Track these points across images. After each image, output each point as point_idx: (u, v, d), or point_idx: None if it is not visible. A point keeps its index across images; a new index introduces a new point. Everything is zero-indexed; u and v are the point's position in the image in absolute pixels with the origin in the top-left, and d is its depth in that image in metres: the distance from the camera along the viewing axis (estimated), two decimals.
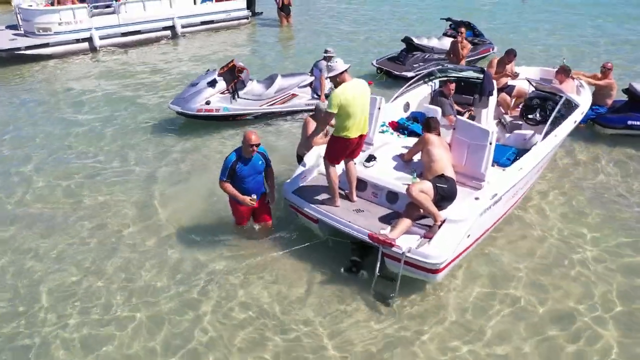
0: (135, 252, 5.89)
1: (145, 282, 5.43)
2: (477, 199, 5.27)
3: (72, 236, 6.20)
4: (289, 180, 5.99)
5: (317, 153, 6.15)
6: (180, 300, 5.17)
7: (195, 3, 15.79)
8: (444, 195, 5.26)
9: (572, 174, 7.59)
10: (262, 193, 5.83)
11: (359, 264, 5.41)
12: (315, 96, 9.67)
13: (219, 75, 8.94)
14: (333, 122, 5.33)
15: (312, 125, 6.29)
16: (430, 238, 5.00)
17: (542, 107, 7.59)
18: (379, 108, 6.43)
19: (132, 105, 10.36)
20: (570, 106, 7.31)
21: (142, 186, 7.33)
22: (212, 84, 8.90)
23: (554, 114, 6.69)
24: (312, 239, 5.82)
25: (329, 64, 5.27)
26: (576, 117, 7.17)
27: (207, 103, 8.87)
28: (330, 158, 5.43)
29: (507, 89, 8.69)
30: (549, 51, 14.10)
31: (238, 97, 9.07)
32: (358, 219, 5.36)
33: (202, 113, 8.91)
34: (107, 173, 7.75)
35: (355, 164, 5.68)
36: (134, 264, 5.69)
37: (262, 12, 18.37)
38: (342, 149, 5.33)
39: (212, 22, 16.22)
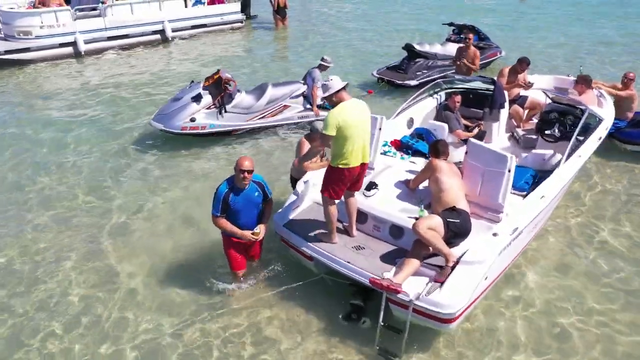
0: (100, 290, 5.22)
1: (112, 324, 4.77)
2: (495, 235, 4.61)
3: (32, 261, 5.59)
4: (280, 211, 5.32)
5: (310, 179, 5.49)
6: (149, 347, 4.51)
7: (186, 6, 15.12)
8: (456, 232, 4.60)
9: (589, 197, 6.89)
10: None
11: (361, 309, 4.74)
12: (309, 106, 9.01)
13: (204, 88, 8.28)
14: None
15: (306, 147, 5.64)
16: (442, 282, 4.33)
17: (561, 121, 6.91)
18: (380, 128, 5.77)
19: (114, 116, 9.68)
20: (593, 121, 6.65)
21: (115, 215, 6.59)
22: (197, 99, 8.22)
23: (577, 130, 6.02)
24: (306, 276, 5.15)
25: (325, 82, 4.60)
26: (600, 133, 6.53)
27: (192, 120, 8.19)
28: (329, 192, 4.71)
29: (519, 100, 8.03)
30: (549, 54, 13.47)
31: (225, 111, 8.39)
32: (358, 258, 4.69)
33: (186, 131, 8.23)
34: (65, 195, 7.05)
35: (355, 196, 5.00)
36: (98, 302, 5.02)
37: (257, 15, 17.73)
38: (341, 181, 4.64)
39: (204, 25, 15.55)
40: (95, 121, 9.47)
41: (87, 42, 13.36)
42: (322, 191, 4.77)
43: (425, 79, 10.57)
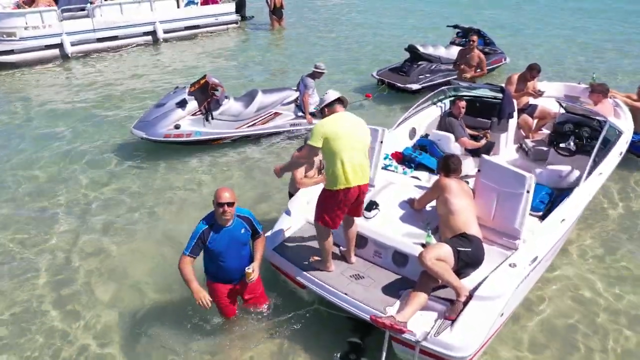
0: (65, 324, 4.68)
1: None
2: (513, 265, 4.10)
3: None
4: (269, 233, 4.79)
5: (303, 197, 4.98)
6: None
7: (178, 6, 14.60)
8: (468, 262, 4.11)
9: (605, 217, 6.34)
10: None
11: (359, 348, 4.22)
12: (301, 114, 8.52)
13: (190, 93, 7.74)
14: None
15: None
16: (453, 320, 3.82)
17: (577, 134, 6.42)
18: (382, 142, 5.27)
19: (97, 123, 9.14)
20: (612, 133, 6.16)
21: (86, 235, 6.01)
22: (182, 104, 7.69)
23: (598, 144, 5.53)
24: (298, 307, 4.62)
25: (321, 97, 4.14)
26: (621, 147, 6.05)
27: (177, 127, 7.65)
28: (323, 220, 4.16)
29: (528, 109, 7.55)
30: (555, 57, 13.00)
31: (212, 118, 7.84)
32: (357, 289, 4.17)
33: (170, 139, 7.69)
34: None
35: (355, 221, 4.49)
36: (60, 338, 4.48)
37: (252, 17, 17.23)
38: (337, 206, 4.10)
39: (197, 27, 15.04)
40: (77, 128, 8.93)
41: (74, 43, 12.83)
42: (315, 219, 4.23)
43: (428, 84, 10.09)
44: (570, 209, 4.85)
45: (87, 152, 8.07)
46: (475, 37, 9.91)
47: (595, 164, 5.48)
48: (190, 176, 7.36)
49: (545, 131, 7.38)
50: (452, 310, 3.88)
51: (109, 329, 4.61)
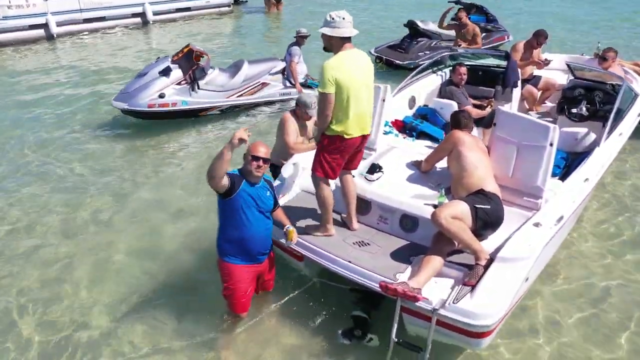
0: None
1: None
2: (537, 225, 3.59)
3: None
4: None
5: (298, 163, 4.44)
6: None
7: None
8: (487, 221, 3.58)
9: (621, 185, 5.89)
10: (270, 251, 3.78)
11: (365, 322, 3.69)
12: (289, 84, 8.05)
13: (173, 62, 7.17)
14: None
15: (292, 124, 4.60)
16: (473, 285, 3.30)
17: (589, 98, 5.92)
18: (384, 100, 4.75)
19: (78, 101, 8.56)
20: (628, 96, 5.67)
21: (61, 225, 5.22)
22: (166, 72, 7.10)
23: (617, 102, 5.03)
24: (295, 286, 4.07)
25: (329, 18, 3.50)
26: (638, 109, 5.54)
27: (161, 96, 7.06)
28: (323, 170, 3.68)
29: (532, 80, 7.03)
30: (559, 32, 12.50)
31: (199, 88, 7.28)
32: (362, 257, 3.64)
33: (154, 109, 7.10)
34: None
35: (353, 177, 3.96)
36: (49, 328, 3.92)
37: (246, 1, 16.61)
38: (339, 154, 3.61)
39: (188, 9, 14.41)
40: (57, 109, 8.26)
41: (59, 24, 12.18)
42: (313, 169, 3.72)
43: (428, 61, 9.56)
44: (593, 168, 4.35)
45: (66, 129, 7.48)
46: (462, 14, 9.35)
47: (614, 125, 4.99)
48: (177, 151, 6.80)
49: (549, 104, 6.93)
50: (471, 275, 3.37)
51: (99, 313, 4.04)
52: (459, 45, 9.43)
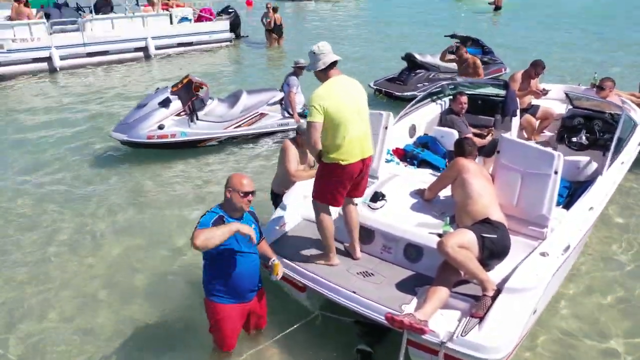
0: None
1: None
2: (544, 254, 3.50)
3: None
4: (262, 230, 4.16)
5: (300, 191, 4.38)
6: None
7: (171, 23, 14.22)
8: (493, 251, 3.51)
9: (623, 214, 5.82)
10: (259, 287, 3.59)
11: (370, 356, 3.56)
12: (287, 115, 8.07)
13: (173, 93, 7.20)
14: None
15: (293, 152, 4.57)
16: (481, 317, 3.20)
17: (588, 127, 5.94)
18: (386, 127, 4.72)
19: (78, 131, 8.55)
20: (628, 125, 5.69)
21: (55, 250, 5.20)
22: (165, 103, 7.14)
23: (618, 131, 5.03)
24: (296, 319, 3.93)
25: (313, 49, 3.52)
26: (639, 138, 5.54)
27: (160, 127, 7.07)
28: (323, 196, 3.64)
29: (531, 109, 7.07)
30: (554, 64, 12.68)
31: (197, 119, 7.29)
32: (366, 287, 3.55)
33: (153, 140, 7.10)
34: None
35: (356, 205, 3.89)
36: None
37: (247, 36, 16.88)
38: (339, 181, 3.56)
39: (190, 44, 14.63)
40: (57, 141, 8.24)
41: (63, 57, 12.33)
42: (314, 197, 3.66)
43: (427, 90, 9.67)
44: (597, 197, 4.30)
45: (64, 159, 7.45)
46: (462, 50, 9.48)
47: (616, 154, 4.98)
48: (175, 180, 6.73)
49: (548, 133, 6.95)
50: (479, 306, 3.27)
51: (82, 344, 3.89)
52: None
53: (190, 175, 6.92)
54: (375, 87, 10.18)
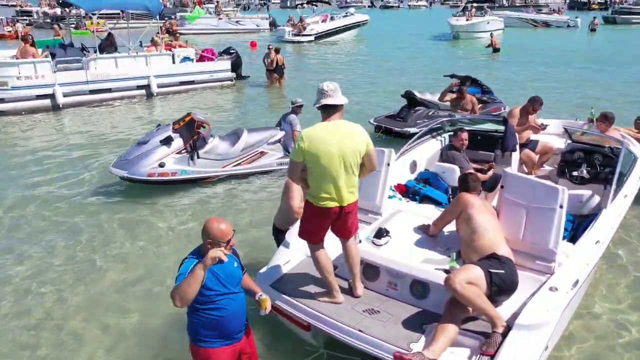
0: None
1: None
2: (554, 289, 3.43)
3: None
4: (264, 269, 4.08)
5: None
6: None
7: (174, 62, 14.47)
8: (502, 286, 3.44)
9: (628, 247, 5.77)
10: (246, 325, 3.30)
11: None
12: (287, 154, 8.10)
13: (174, 131, 7.23)
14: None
15: (296, 188, 4.51)
16: (492, 355, 3.10)
17: (589, 161, 5.96)
18: (388, 164, 4.70)
19: (78, 167, 8.51)
20: (628, 158, 5.72)
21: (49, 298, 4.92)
22: (167, 141, 7.17)
23: (619, 165, 5.04)
24: (301, 355, 3.80)
25: (323, 87, 3.54)
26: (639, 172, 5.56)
27: (161, 165, 7.09)
28: (301, 232, 3.69)
29: (530, 144, 7.12)
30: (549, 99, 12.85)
31: (198, 157, 7.32)
32: (373, 325, 3.45)
33: (154, 178, 7.10)
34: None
35: (358, 241, 3.85)
36: None
37: (249, 76, 17.16)
38: (314, 220, 3.56)
39: (192, 82, 14.85)
40: (55, 175, 8.21)
41: (66, 94, 12.43)
42: (298, 233, 3.70)
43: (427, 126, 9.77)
44: (603, 230, 4.27)
45: (61, 193, 7.41)
46: (464, 87, 9.69)
47: (618, 187, 4.97)
48: (174, 218, 6.66)
49: (548, 167, 6.98)
50: (489, 343, 3.17)
51: None
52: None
53: (189, 210, 6.86)
54: (375, 123, 10.27)
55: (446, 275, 3.38)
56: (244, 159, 7.74)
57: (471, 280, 3.32)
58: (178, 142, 7.21)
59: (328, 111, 3.49)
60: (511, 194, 3.95)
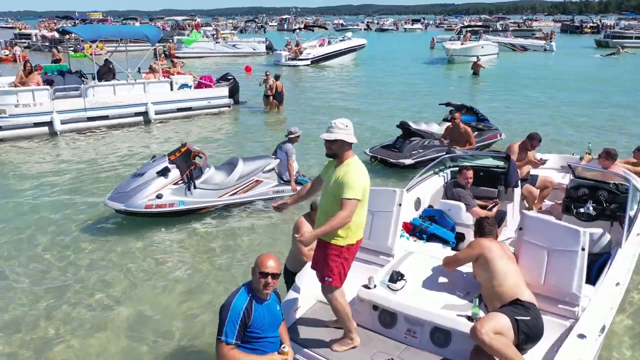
0: None
1: None
2: (582, 336, 3.24)
3: None
4: None
5: (313, 271, 4.09)
6: None
7: (172, 89, 14.33)
8: (529, 334, 3.25)
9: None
10: None
11: None
12: (282, 182, 7.99)
13: (171, 162, 7.04)
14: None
15: (307, 228, 4.30)
16: None
17: (594, 197, 5.85)
18: (400, 204, 4.49)
19: (73, 198, 8.22)
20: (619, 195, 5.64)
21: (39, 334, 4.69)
22: (164, 172, 6.96)
23: (629, 205, 4.92)
24: None
25: (334, 122, 3.51)
26: None
27: (159, 197, 6.86)
28: (339, 279, 3.60)
29: (530, 179, 7.01)
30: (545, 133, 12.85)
31: (195, 187, 7.13)
32: None
33: (152, 210, 6.86)
34: None
35: (375, 285, 3.76)
36: None
37: (246, 102, 17.07)
38: (351, 260, 3.63)
39: (189, 109, 14.69)
40: (49, 204, 7.92)
41: (64, 122, 12.19)
42: (326, 281, 3.52)
43: (421, 159, 9.65)
44: (621, 271, 4.10)
45: (56, 223, 7.14)
46: (457, 114, 9.55)
47: (630, 225, 4.84)
48: (170, 250, 6.40)
49: (548, 202, 6.85)
50: None
51: None
52: (445, 142, 9.45)
53: (185, 244, 6.60)
54: (371, 154, 10.14)
55: (472, 325, 3.18)
56: (240, 188, 7.60)
57: (499, 329, 3.12)
58: (175, 173, 7.02)
59: (328, 147, 3.54)
60: (531, 236, 3.79)
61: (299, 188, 8.14)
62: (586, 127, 13.61)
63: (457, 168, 6.56)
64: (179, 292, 5.37)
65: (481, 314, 3.45)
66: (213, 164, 7.79)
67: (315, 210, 4.40)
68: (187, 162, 7.11)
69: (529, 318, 3.26)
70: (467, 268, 3.96)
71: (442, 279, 4.00)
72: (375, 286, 3.74)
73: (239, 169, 7.53)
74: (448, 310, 3.56)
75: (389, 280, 3.89)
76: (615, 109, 16.40)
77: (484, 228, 3.90)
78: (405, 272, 4.02)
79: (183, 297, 5.27)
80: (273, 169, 7.95)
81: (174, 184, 7.02)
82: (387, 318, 3.65)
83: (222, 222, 7.24)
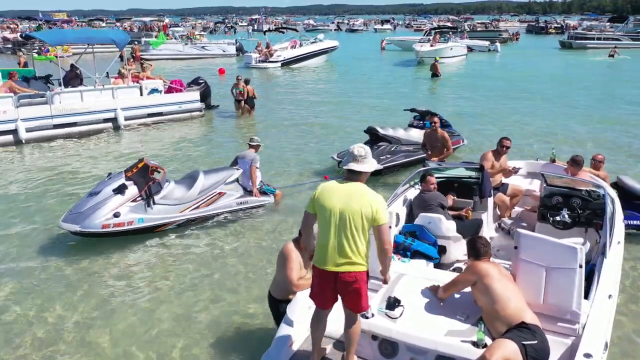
0: None
1: None
2: (588, 356, 3.08)
3: None
4: (269, 350, 3.51)
5: (304, 302, 3.74)
6: None
7: (142, 94, 13.57)
8: (537, 358, 3.05)
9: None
10: None
11: None
12: (246, 192, 7.62)
13: (128, 178, 6.51)
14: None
15: (296, 257, 3.95)
16: None
17: (569, 205, 5.79)
18: (390, 227, 4.16)
19: (27, 213, 7.54)
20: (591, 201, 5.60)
21: None
22: (121, 190, 6.43)
23: (608, 213, 4.85)
24: None
25: (354, 152, 3.29)
26: (620, 215, 5.41)
27: (116, 215, 6.33)
28: (311, 293, 3.45)
29: (501, 187, 6.90)
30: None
31: (154, 203, 6.63)
32: None
33: (109, 229, 6.32)
34: None
35: (373, 315, 3.49)
36: None
37: (218, 106, 16.43)
38: (315, 280, 3.32)
39: (160, 114, 13.96)
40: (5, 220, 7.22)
41: (29, 130, 11.28)
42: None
43: (389, 164, 9.43)
44: (610, 283, 4.00)
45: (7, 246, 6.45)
46: (436, 119, 9.33)
47: (611, 233, 4.76)
48: (133, 271, 5.91)
49: (518, 209, 6.77)
50: None
51: None
52: (428, 153, 9.22)
53: (149, 263, 6.11)
54: (338, 159, 9.81)
55: (480, 354, 2.95)
56: (203, 201, 7.10)
57: (507, 357, 2.92)
58: (132, 189, 6.48)
59: (352, 174, 3.27)
60: (527, 255, 3.60)
61: (264, 197, 7.89)
62: (544, 135, 13.57)
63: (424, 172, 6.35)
64: (141, 316, 4.91)
65: (486, 339, 3.24)
66: (176, 177, 7.25)
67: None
68: (145, 178, 6.60)
69: (535, 342, 3.07)
70: (462, 290, 3.73)
71: (439, 303, 3.74)
72: (373, 315, 3.46)
73: (199, 182, 7.04)
74: (451, 337, 3.32)
75: (387, 307, 3.61)
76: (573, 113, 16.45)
77: (478, 250, 3.68)
78: (401, 297, 3.74)
79: (147, 320, 4.82)
80: (236, 179, 7.53)
81: (132, 200, 6.49)
82: (388, 348, 3.39)
83: (184, 238, 6.76)
